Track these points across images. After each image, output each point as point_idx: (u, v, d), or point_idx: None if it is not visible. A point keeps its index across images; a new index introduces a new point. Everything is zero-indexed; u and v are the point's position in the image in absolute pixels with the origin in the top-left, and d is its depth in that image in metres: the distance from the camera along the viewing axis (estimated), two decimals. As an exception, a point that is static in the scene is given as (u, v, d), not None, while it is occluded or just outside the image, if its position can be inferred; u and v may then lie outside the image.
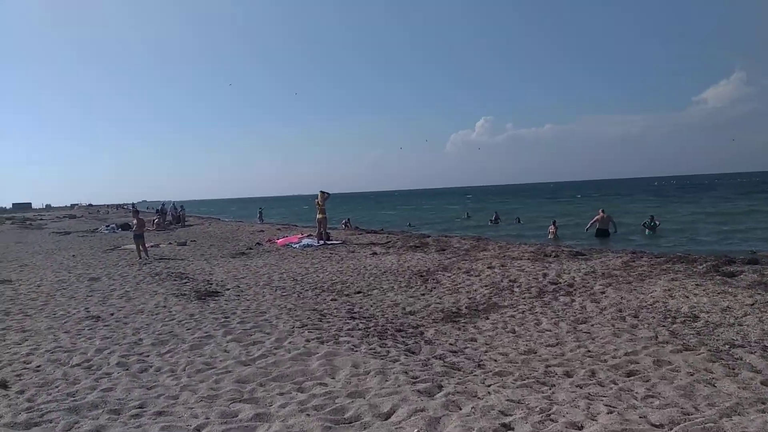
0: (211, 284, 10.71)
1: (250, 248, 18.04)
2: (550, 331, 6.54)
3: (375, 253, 14.57)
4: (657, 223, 21.38)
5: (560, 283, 9.10)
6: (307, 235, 20.45)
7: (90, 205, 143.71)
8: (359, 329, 6.89)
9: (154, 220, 33.10)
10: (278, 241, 19.08)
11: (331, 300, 8.97)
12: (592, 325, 6.65)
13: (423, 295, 9.11)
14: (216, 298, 9.22)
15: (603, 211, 20.73)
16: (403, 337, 6.60)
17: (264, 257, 15.35)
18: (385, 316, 7.77)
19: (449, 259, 12.65)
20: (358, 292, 9.54)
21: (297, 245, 17.66)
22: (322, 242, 17.79)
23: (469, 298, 8.59)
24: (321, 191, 18.12)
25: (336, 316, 7.77)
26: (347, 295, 9.40)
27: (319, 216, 18.03)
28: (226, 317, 7.75)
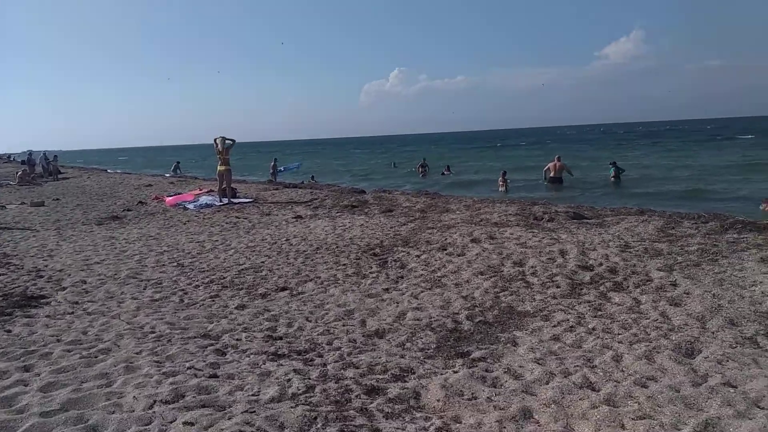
0: (40, 277, 6.65)
1: (129, 209, 13.68)
2: (656, 379, 3.41)
3: (299, 217, 10.88)
4: (621, 170, 19.21)
5: (594, 267, 6.00)
6: (207, 191, 16.27)
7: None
8: (291, 394, 3.37)
9: (18, 173, 27.03)
10: (167, 199, 14.78)
11: (237, 306, 5.35)
12: (718, 361, 3.60)
13: (387, 292, 5.70)
14: (31, 311, 5.26)
15: (558, 159, 18.57)
16: (385, 412, 3.18)
17: (142, 223, 11.20)
18: (336, 345, 4.30)
19: (405, 225, 9.26)
20: (283, 289, 5.96)
21: (192, 205, 13.55)
22: (225, 201, 13.78)
23: (466, 298, 5.29)
24: (222, 137, 13.90)
25: (243, 350, 4.18)
26: (264, 294, 5.80)
27: (220, 168, 13.88)
28: (25, 367, 3.91)
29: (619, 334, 4.26)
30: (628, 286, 5.37)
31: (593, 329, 4.38)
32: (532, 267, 6.09)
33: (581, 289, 5.39)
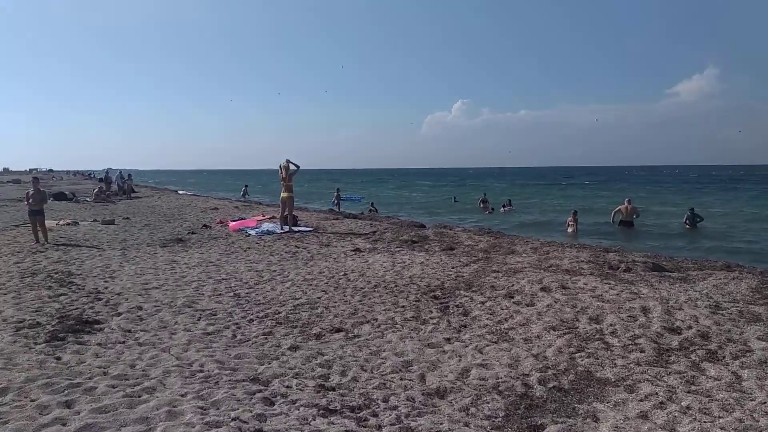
0: (98, 300, 6.65)
1: (193, 232, 13.89)
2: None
3: (358, 250, 10.63)
4: (699, 218, 17.95)
5: (682, 330, 5.35)
6: (269, 218, 16.38)
7: (50, 170, 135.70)
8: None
9: (94, 190, 28.46)
10: (231, 224, 14.95)
11: (290, 347, 5.07)
12: None
13: (449, 342, 5.27)
14: (84, 338, 5.19)
15: (629, 201, 17.65)
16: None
17: (205, 248, 11.27)
18: (393, 402, 3.92)
19: (467, 265, 8.82)
20: (338, 330, 5.64)
21: (254, 231, 13.59)
22: (286, 228, 13.76)
23: (537, 357, 4.79)
24: (287, 160, 13.93)
25: (293, 400, 3.87)
26: (318, 335, 5.50)
27: (283, 195, 13.90)
28: (67, 402, 3.74)
29: (720, 417, 3.66)
30: (724, 356, 4.71)
31: (688, 408, 3.79)
32: (610, 325, 5.51)
33: (669, 355, 4.77)
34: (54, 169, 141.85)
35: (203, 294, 7.10)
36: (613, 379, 4.34)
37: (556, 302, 6.28)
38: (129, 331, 5.45)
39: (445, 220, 21.51)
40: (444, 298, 6.82)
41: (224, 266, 9.09)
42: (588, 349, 4.98)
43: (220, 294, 7.11)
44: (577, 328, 5.51)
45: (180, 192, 41.33)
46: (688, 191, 48.27)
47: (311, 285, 7.62)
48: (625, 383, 4.26)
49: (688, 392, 4.05)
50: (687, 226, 17.87)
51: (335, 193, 26.86)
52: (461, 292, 7.02)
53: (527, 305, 6.29)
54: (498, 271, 8.06)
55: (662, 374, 4.39)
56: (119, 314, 6.02)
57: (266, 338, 5.35)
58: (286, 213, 13.95)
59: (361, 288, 7.41)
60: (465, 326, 5.75)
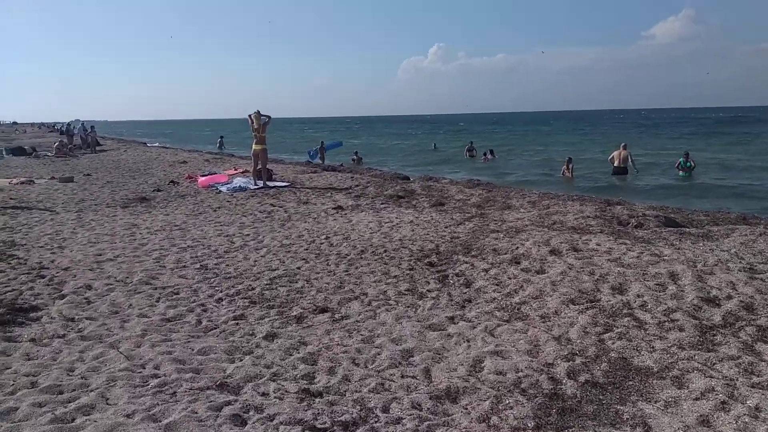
0: (41, 278, 5.69)
1: (159, 189, 12.80)
2: None
3: (340, 208, 9.72)
4: (692, 163, 17.36)
5: (721, 300, 4.64)
6: (242, 171, 15.31)
7: (14, 123, 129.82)
8: None
9: (55, 144, 26.75)
10: (200, 179, 13.84)
11: (266, 336, 4.24)
12: None
13: (453, 322, 4.49)
14: (15, 331, 4.27)
15: (624, 147, 16.95)
16: None
17: (170, 207, 10.25)
18: (395, 412, 3.14)
19: (461, 223, 8.01)
20: (323, 310, 4.81)
21: (225, 187, 12.55)
22: (260, 184, 12.75)
23: (559, 341, 4.05)
24: (257, 112, 12.76)
25: (270, 415, 3.06)
26: (299, 317, 4.67)
27: (255, 147, 12.78)
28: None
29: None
30: (777, 335, 4.03)
31: (758, 410, 3.09)
32: (638, 296, 4.78)
33: (714, 334, 4.07)
34: (18, 122, 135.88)
35: (165, 266, 6.18)
36: (655, 369, 3.62)
37: (570, 268, 5.52)
38: (72, 319, 4.55)
39: (429, 170, 20.66)
40: (441, 264, 6.02)
41: (191, 230, 8.13)
42: (617, 327, 4.24)
43: (184, 266, 6.19)
44: (599, 300, 4.77)
45: (148, 144, 39.49)
46: (672, 136, 48.02)
47: (289, 252, 6.75)
48: (670, 374, 3.55)
49: (751, 386, 3.35)
50: (681, 172, 17.31)
51: (319, 146, 25.50)
52: (459, 257, 6.22)
53: (537, 272, 5.52)
54: (498, 231, 7.26)
55: (713, 361, 3.68)
56: (63, 296, 5.09)
57: (237, 324, 4.50)
58: (259, 167, 12.90)
59: (346, 254, 6.56)
60: (469, 300, 4.97)
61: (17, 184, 13.97)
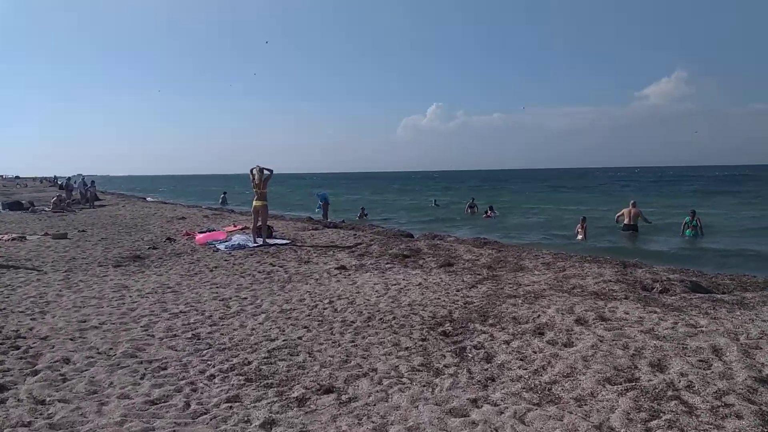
0: (16, 348, 5.13)
1: (154, 247, 12.34)
2: None
3: (343, 268, 9.23)
4: (698, 222, 16.98)
5: (777, 381, 4.12)
6: (241, 228, 14.91)
7: (17, 177, 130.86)
8: None
9: (53, 199, 26.47)
10: (198, 236, 13.41)
11: (263, 423, 3.68)
12: None
13: (476, 406, 3.93)
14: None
15: (634, 205, 16.78)
16: None
17: (165, 267, 9.75)
18: None
19: (474, 286, 7.51)
20: (327, 390, 4.26)
21: (223, 245, 12.10)
22: (260, 241, 12.30)
23: (600, 430, 3.50)
24: (259, 166, 12.47)
25: None
26: (301, 399, 4.11)
27: (256, 203, 12.43)
28: None
29: None
30: None
31: None
32: (681, 375, 4.24)
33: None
34: (20, 176, 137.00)
35: (153, 335, 5.64)
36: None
37: (600, 341, 5.00)
38: (43, 402, 3.99)
39: (433, 228, 20.31)
40: (457, 334, 5.50)
41: (184, 293, 7.62)
42: (665, 413, 3.70)
43: (174, 335, 5.66)
44: (638, 379, 4.23)
45: (149, 199, 39.34)
46: (673, 194, 48.08)
47: (290, 318, 6.22)
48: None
49: None
50: (688, 231, 16.89)
51: (323, 203, 24.95)
52: (476, 325, 5.70)
53: (565, 345, 5.00)
54: (515, 296, 6.75)
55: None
56: (36, 372, 4.54)
57: (230, 407, 3.94)
58: (259, 224, 12.49)
59: (352, 321, 6.04)
60: (492, 379, 4.43)
61: (8, 240, 13.53)
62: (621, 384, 4.16)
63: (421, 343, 5.27)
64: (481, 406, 3.94)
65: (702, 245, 15.56)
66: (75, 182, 31.95)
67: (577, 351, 4.82)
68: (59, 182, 46.90)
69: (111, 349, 5.19)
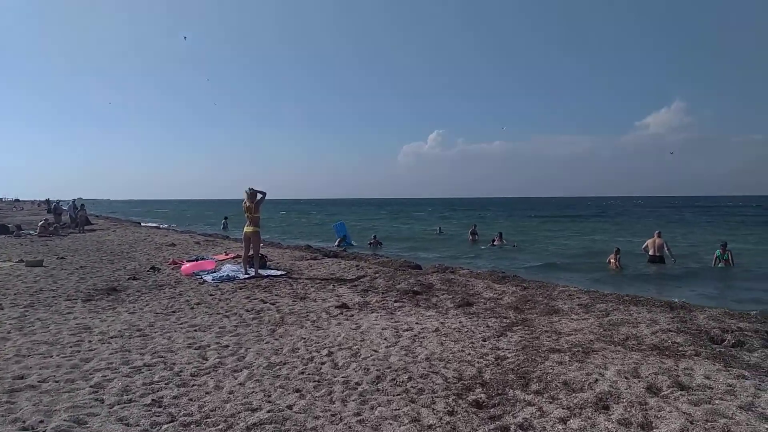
0: None
1: (135, 277, 11.09)
2: None
3: (345, 307, 7.98)
4: (729, 255, 15.86)
5: None
6: (233, 257, 13.70)
7: (16, 200, 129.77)
8: None
9: (40, 223, 25.26)
10: (184, 266, 12.16)
11: None
12: None
13: None
14: None
15: (659, 235, 15.85)
16: None
17: (140, 303, 8.50)
18: None
19: (503, 334, 6.25)
20: (324, 502, 3.01)
21: (210, 276, 10.86)
22: (251, 272, 11.07)
23: None
24: (251, 188, 11.28)
25: None
26: None
27: (247, 229, 11.22)
28: None
29: None
30: None
31: None
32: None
33: None
34: (20, 199, 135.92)
35: (103, 400, 4.38)
36: None
37: (689, 421, 3.74)
38: None
39: (439, 257, 19.09)
40: (492, 405, 4.24)
41: (155, 337, 6.37)
42: None
43: (130, 399, 4.40)
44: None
45: (143, 224, 38.15)
46: (690, 224, 46.89)
47: (278, 377, 4.96)
48: None
49: None
50: (719, 264, 15.76)
51: (340, 237, 24.15)
52: (517, 393, 4.44)
53: (642, 428, 3.73)
54: (558, 350, 5.48)
55: None
56: None
57: None
58: (251, 253, 11.27)
59: (357, 383, 4.78)
60: (555, 483, 3.17)
61: (-22, 267, 12.30)
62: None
63: (448, 419, 4.01)
64: None
65: (738, 277, 14.42)
66: (65, 206, 30.78)
67: (663, 439, 3.56)
68: (47, 206, 45.80)
69: (42, 422, 3.93)
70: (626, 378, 4.57)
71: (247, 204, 11.13)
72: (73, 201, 30.62)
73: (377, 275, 10.80)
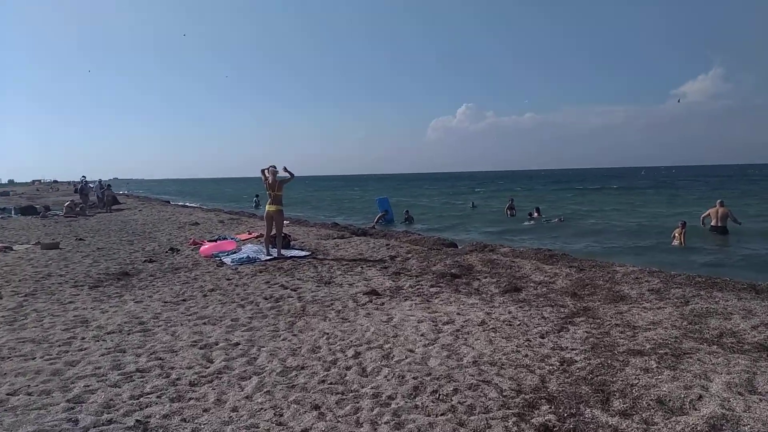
0: None
1: (152, 259, 10.38)
2: None
3: (374, 293, 7.04)
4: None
5: None
6: (256, 236, 12.90)
7: (55, 181, 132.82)
8: None
9: (66, 204, 25.03)
10: (203, 248, 11.39)
11: None
12: None
13: None
14: None
15: (721, 204, 14.75)
16: None
17: (151, 289, 7.74)
18: None
19: (563, 328, 5.22)
20: None
21: (230, 258, 10.07)
22: (273, 253, 10.23)
23: None
24: (273, 167, 10.36)
25: None
26: None
27: (269, 208, 10.35)
28: None
29: None
30: None
31: None
32: None
33: None
34: (58, 180, 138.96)
35: (77, 420, 3.55)
36: None
37: None
38: None
39: (475, 235, 17.99)
40: (568, 429, 3.25)
41: (157, 333, 5.54)
42: None
43: (110, 420, 3.54)
44: None
45: (173, 203, 37.95)
46: (729, 192, 44.43)
47: (293, 387, 4.05)
48: None
49: None
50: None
51: (380, 213, 22.54)
52: (595, 412, 3.43)
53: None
54: (639, 352, 4.42)
55: None
56: None
57: None
58: (273, 233, 10.41)
59: (390, 396, 3.83)
60: None
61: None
62: None
63: (511, 453, 3.04)
64: None
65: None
66: (92, 186, 30.62)
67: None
68: (75, 186, 46.15)
69: (-4, 452, 3.12)
70: (740, 394, 3.51)
71: (269, 181, 10.22)
72: (100, 181, 30.43)
73: (410, 256, 9.82)
